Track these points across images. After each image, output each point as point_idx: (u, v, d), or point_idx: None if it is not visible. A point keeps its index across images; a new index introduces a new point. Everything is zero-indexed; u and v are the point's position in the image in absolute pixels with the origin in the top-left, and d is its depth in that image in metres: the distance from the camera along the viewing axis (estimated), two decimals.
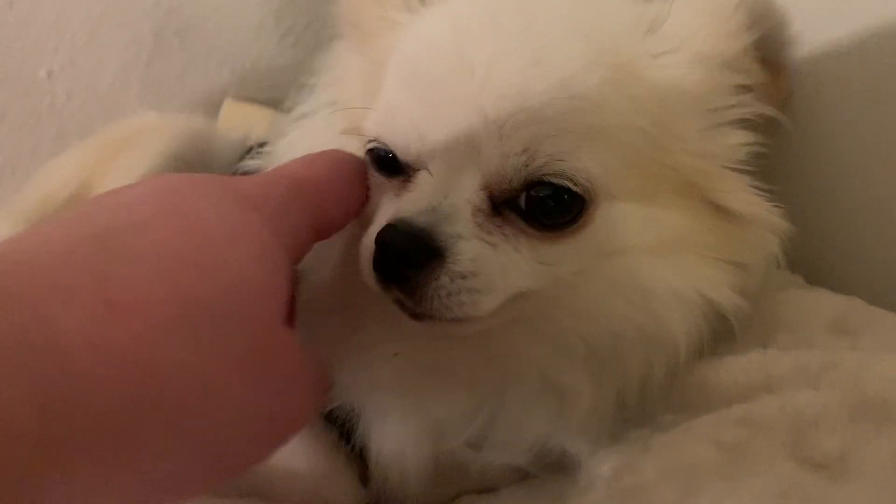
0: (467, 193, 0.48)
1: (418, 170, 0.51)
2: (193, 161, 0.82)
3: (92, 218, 0.36)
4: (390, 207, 0.50)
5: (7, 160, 1.10)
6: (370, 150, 0.53)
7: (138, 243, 0.34)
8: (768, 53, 0.55)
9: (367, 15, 0.60)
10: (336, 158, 0.51)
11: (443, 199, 0.48)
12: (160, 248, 0.35)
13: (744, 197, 0.52)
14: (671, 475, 0.43)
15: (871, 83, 0.56)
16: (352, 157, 0.52)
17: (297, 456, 0.59)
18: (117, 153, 0.79)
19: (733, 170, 0.53)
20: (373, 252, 0.47)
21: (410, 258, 0.46)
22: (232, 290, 0.36)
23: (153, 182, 0.41)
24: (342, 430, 0.60)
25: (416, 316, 0.48)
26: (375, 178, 0.54)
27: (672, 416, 0.51)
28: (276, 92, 1.27)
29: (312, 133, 0.64)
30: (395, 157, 0.52)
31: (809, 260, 0.60)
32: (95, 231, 0.34)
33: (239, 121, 1.17)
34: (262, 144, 0.80)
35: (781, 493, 0.38)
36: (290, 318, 0.43)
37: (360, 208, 0.52)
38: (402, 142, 0.51)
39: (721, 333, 0.53)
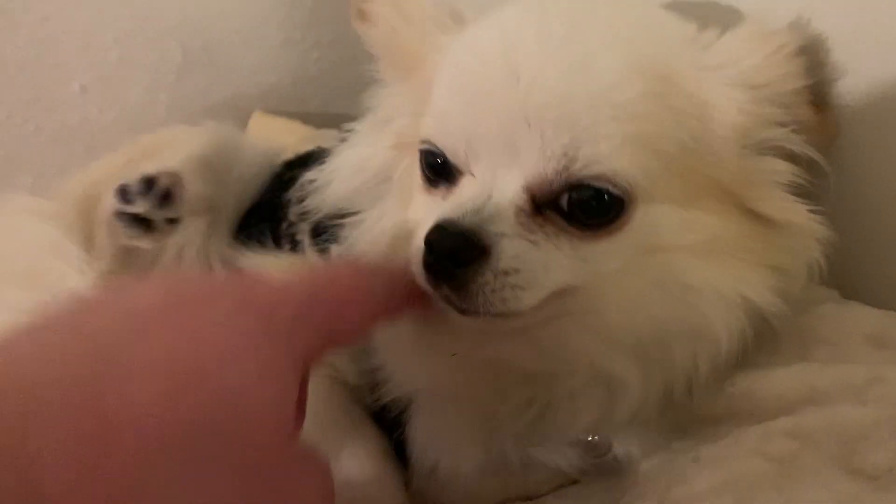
0: (510, 194, 0.50)
1: (464, 174, 0.53)
2: (220, 167, 0.86)
3: (92, 324, 0.35)
4: (438, 210, 0.53)
5: (40, 173, 1.13)
6: (422, 151, 0.56)
7: (138, 357, 0.33)
8: (819, 96, 0.56)
9: (404, 39, 0.63)
10: (359, 268, 0.51)
11: (487, 199, 0.50)
12: (160, 364, 0.33)
13: (782, 205, 0.53)
14: (724, 487, 0.45)
15: None
16: (375, 266, 0.54)
17: (350, 460, 0.62)
18: (153, 155, 0.82)
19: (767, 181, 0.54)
20: (423, 252, 0.49)
21: (457, 256, 0.48)
22: (234, 410, 0.34)
23: (162, 287, 0.39)
24: (390, 429, 0.63)
25: (463, 311, 0.50)
26: (422, 190, 0.57)
27: (718, 427, 0.52)
28: (303, 105, 1.33)
29: (363, 151, 0.66)
30: (444, 161, 0.54)
31: (845, 275, 0.62)
32: (93, 342, 0.33)
33: (267, 133, 1.22)
34: (302, 157, 0.87)
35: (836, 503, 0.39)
36: (299, 421, 0.42)
37: (383, 317, 0.51)
38: (451, 145, 0.53)
39: (763, 343, 0.54)
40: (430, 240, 0.49)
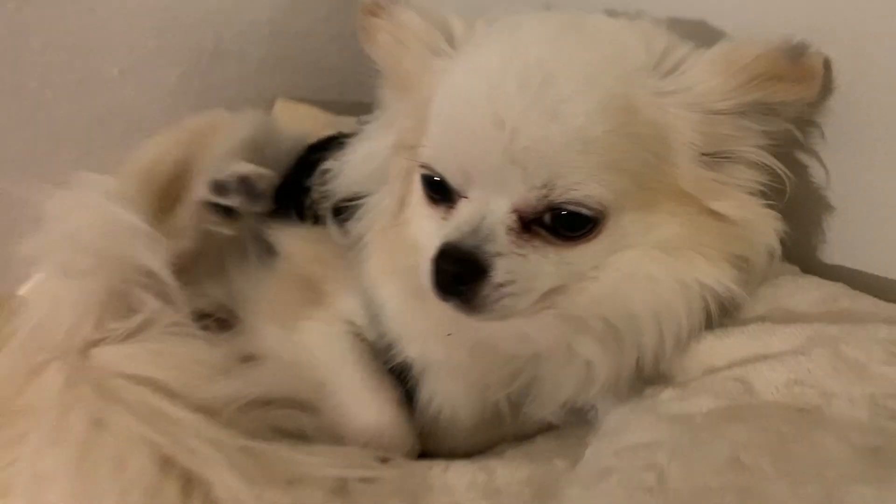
0: (501, 215, 0.59)
1: (461, 197, 0.62)
2: (262, 145, 0.95)
3: None
4: (440, 230, 0.62)
5: (85, 151, 1.21)
6: (423, 176, 0.65)
7: None
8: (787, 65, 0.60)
9: (401, 61, 0.70)
10: None
11: (481, 220, 0.59)
12: None
13: (737, 204, 0.61)
14: (669, 428, 0.54)
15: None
16: None
17: (369, 407, 0.72)
18: (205, 137, 0.91)
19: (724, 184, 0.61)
20: (432, 272, 0.59)
21: (462, 278, 0.58)
22: None
23: None
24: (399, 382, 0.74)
25: (469, 313, 0.59)
26: (424, 204, 0.67)
27: (675, 382, 0.62)
28: (322, 93, 1.40)
29: (370, 145, 0.75)
30: (442, 181, 0.63)
31: (804, 253, 0.70)
32: None
33: (290, 118, 1.29)
34: (323, 141, 0.94)
35: (761, 429, 0.49)
36: None
37: None
38: (449, 173, 0.62)
39: (727, 310, 0.63)
40: (438, 264, 0.59)
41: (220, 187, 0.85)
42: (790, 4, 0.69)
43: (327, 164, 0.80)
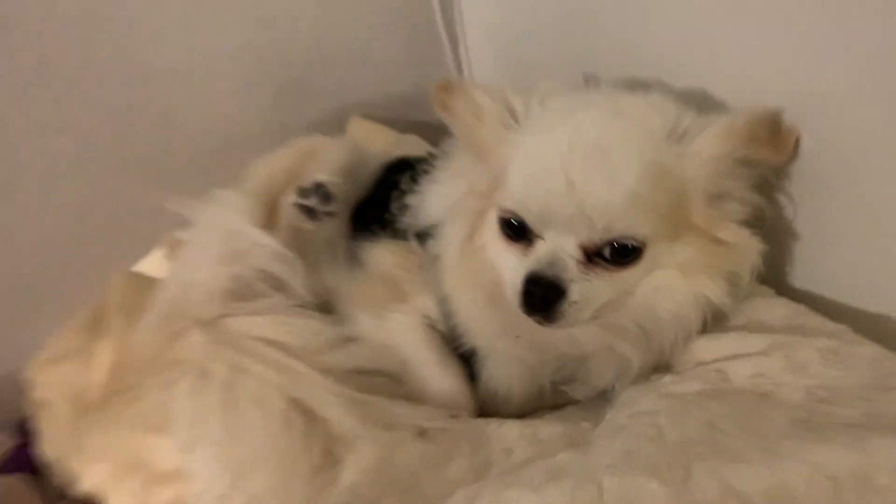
0: (570, 251, 0.76)
1: (538, 238, 0.79)
2: (354, 167, 1.12)
3: None
4: (520, 264, 0.79)
5: (196, 168, 1.35)
6: (503, 218, 0.81)
7: None
8: (769, 135, 0.78)
9: (475, 130, 0.85)
10: None
11: (555, 255, 0.76)
12: None
13: (732, 232, 0.79)
14: (665, 403, 0.75)
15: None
16: None
17: (441, 379, 0.93)
18: (308, 159, 1.11)
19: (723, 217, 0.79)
20: (520, 294, 0.77)
21: (547, 299, 0.75)
22: None
23: None
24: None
25: (546, 324, 0.77)
26: (501, 239, 0.83)
27: (676, 370, 0.84)
28: (390, 113, 1.54)
29: (444, 189, 0.94)
30: (522, 225, 0.80)
31: (778, 279, 0.92)
32: None
33: (361, 135, 1.47)
34: (397, 163, 1.12)
35: (731, 405, 0.71)
36: None
37: None
38: (529, 219, 0.79)
39: (717, 320, 0.84)
40: (526, 289, 0.76)
41: (303, 191, 1.04)
42: (770, 80, 0.85)
43: (408, 200, 0.99)
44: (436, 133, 1.03)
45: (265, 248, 1.01)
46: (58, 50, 1.17)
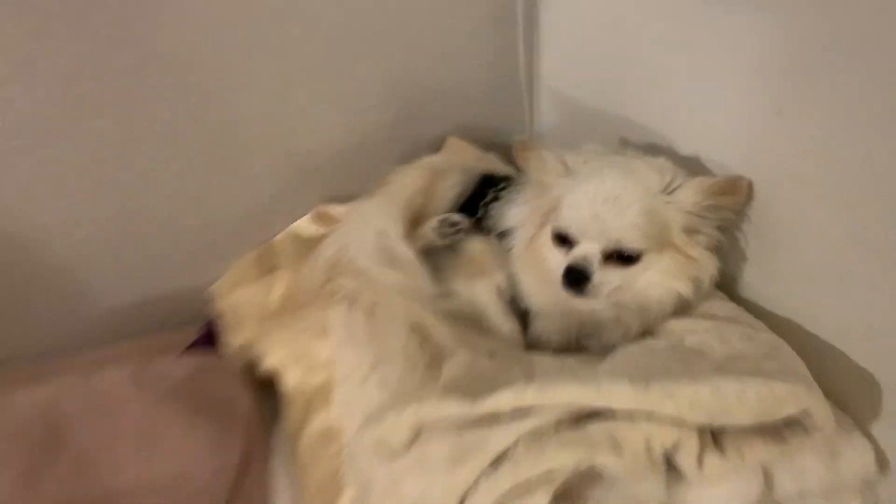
0: (595, 253, 1.10)
1: (576, 243, 1.12)
2: (465, 186, 1.46)
3: None
4: (563, 259, 1.12)
5: (330, 184, 1.65)
6: (556, 232, 1.15)
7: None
8: (730, 189, 1.11)
9: (542, 175, 1.21)
10: None
11: (586, 254, 1.10)
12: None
13: (699, 252, 1.13)
14: (639, 353, 1.22)
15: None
16: None
17: (506, 323, 1.29)
18: (438, 177, 1.46)
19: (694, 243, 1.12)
20: (562, 276, 1.10)
21: (580, 280, 1.10)
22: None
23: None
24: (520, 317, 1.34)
25: (579, 296, 1.11)
26: (552, 243, 1.18)
27: (653, 335, 1.31)
28: (477, 134, 1.80)
29: (518, 210, 1.30)
30: (568, 236, 1.13)
31: (729, 289, 1.31)
32: None
33: (456, 150, 1.72)
34: (486, 178, 1.46)
35: (680, 354, 1.21)
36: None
37: None
38: (572, 234, 1.12)
39: (682, 309, 1.20)
40: (567, 273, 1.10)
41: (441, 222, 1.39)
42: (735, 152, 1.16)
43: (494, 210, 1.37)
44: (507, 152, 1.34)
45: (404, 255, 1.33)
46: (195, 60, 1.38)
